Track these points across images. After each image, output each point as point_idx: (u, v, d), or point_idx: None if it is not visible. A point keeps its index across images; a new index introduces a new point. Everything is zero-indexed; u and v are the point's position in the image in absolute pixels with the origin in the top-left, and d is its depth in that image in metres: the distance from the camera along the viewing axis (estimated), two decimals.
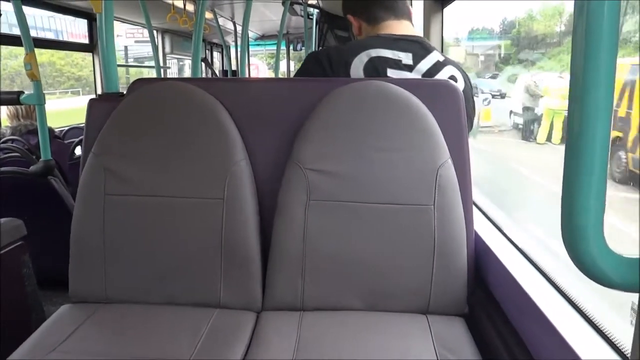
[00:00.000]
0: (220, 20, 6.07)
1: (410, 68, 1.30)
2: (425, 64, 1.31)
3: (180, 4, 4.47)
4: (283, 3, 4.46)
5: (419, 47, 1.33)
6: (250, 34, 7.97)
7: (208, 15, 5.44)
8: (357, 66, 1.29)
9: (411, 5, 1.51)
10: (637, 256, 0.52)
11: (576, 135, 0.50)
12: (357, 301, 1.25)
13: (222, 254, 1.25)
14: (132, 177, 1.27)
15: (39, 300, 1.59)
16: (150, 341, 1.13)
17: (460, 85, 1.30)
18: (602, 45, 0.47)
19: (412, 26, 1.41)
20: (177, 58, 7.32)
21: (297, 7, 5.49)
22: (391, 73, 1.28)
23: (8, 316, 1.41)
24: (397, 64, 1.29)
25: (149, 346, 1.10)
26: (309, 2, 5.26)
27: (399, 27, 1.36)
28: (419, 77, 1.31)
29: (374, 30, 1.38)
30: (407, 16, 1.39)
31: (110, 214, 1.27)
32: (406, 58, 1.30)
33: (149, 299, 1.28)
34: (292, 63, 9.44)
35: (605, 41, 0.47)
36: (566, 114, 0.52)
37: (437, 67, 1.32)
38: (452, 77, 1.32)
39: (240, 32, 5.14)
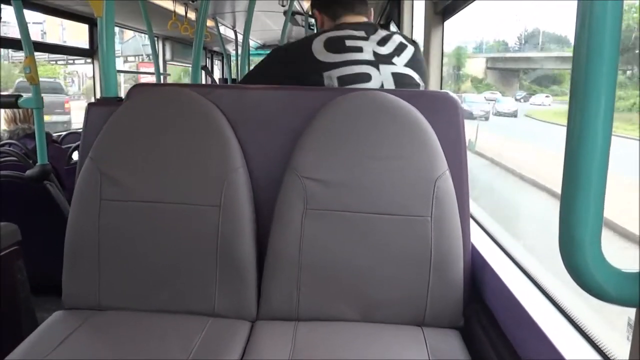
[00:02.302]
0: (222, 29, 6.10)
1: (365, 39, 1.46)
2: (377, 36, 1.48)
3: (181, 12, 4.49)
4: (285, 13, 4.49)
5: (368, 26, 1.50)
6: (251, 43, 8.01)
7: (209, 23, 5.47)
8: (318, 44, 1.44)
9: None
10: (636, 270, 0.51)
11: (575, 147, 0.50)
12: (352, 312, 1.24)
13: (217, 261, 1.24)
14: (129, 182, 1.27)
15: (32, 307, 1.57)
16: (143, 349, 1.11)
17: (410, 48, 1.50)
18: (604, 57, 0.47)
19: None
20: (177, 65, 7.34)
21: (298, 18, 5.52)
22: (349, 43, 1.44)
23: (0, 322, 1.39)
24: (352, 37, 1.46)
25: (141, 354, 1.09)
26: (310, 13, 5.29)
27: (354, 19, 1.53)
28: (375, 44, 1.46)
29: (333, 23, 1.56)
30: (365, 15, 1.57)
31: (106, 220, 1.26)
32: (359, 34, 1.47)
33: (143, 307, 1.27)
34: None
35: (607, 50, 0.47)
36: None
37: (388, 37, 1.49)
38: (402, 43, 1.50)
39: (241, 40, 5.16)
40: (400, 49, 1.48)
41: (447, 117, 1.27)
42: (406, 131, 1.23)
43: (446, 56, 2.19)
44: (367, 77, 1.42)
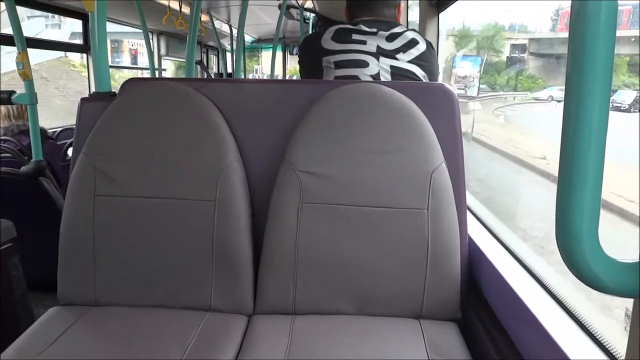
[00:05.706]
0: (216, 23, 6.07)
1: (373, 34, 1.48)
2: (387, 32, 1.49)
3: (176, 6, 4.46)
4: (279, 7, 4.46)
5: (383, 23, 1.52)
6: (247, 38, 7.97)
7: (204, 17, 5.44)
8: (327, 37, 1.51)
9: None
10: (632, 261, 0.51)
11: (571, 139, 0.49)
12: (349, 305, 1.24)
13: (213, 256, 1.24)
14: (123, 177, 1.26)
15: (28, 303, 1.57)
16: (139, 344, 1.11)
17: (422, 46, 1.51)
18: (599, 51, 0.47)
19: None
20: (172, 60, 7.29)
21: (293, 11, 5.50)
22: (355, 36, 1.48)
23: None
24: (360, 31, 1.49)
25: (137, 349, 1.09)
26: (305, 6, 5.27)
27: (371, 18, 1.55)
28: (382, 40, 1.48)
29: (351, 20, 1.60)
30: (385, 15, 1.57)
31: (100, 215, 1.25)
32: (370, 29, 1.49)
33: (139, 302, 1.26)
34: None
35: (601, 45, 0.47)
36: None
37: (399, 34, 1.49)
38: (414, 40, 1.50)
39: (236, 35, 5.14)
40: (409, 45, 1.49)
41: (442, 108, 1.27)
42: (402, 123, 1.23)
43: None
44: (364, 64, 1.44)
